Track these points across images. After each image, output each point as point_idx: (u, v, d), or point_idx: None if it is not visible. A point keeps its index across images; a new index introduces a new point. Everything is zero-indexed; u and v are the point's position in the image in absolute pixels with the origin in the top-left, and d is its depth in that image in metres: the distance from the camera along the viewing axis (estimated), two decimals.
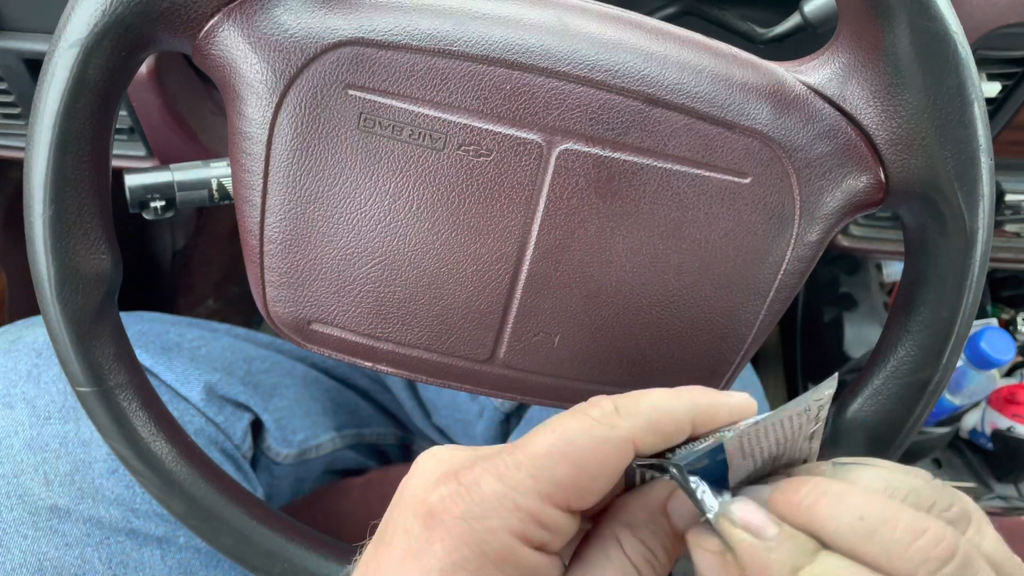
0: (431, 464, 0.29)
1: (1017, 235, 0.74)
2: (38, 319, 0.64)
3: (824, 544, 0.25)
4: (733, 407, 0.30)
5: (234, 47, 0.38)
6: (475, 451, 0.29)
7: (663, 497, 0.29)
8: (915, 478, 0.27)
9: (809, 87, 0.39)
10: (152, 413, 0.44)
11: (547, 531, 0.27)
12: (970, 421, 1.08)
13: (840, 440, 0.43)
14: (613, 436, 0.27)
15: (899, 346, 0.42)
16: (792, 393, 1.24)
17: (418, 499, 0.27)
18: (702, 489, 0.27)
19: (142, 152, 0.71)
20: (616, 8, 0.40)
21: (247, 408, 0.69)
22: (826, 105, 0.39)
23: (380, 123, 0.39)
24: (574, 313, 0.42)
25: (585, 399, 0.45)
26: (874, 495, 0.25)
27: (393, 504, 0.29)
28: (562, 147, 0.39)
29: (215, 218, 1.26)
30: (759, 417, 0.29)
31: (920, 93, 0.37)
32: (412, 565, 0.26)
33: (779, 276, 0.42)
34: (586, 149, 0.39)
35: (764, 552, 0.25)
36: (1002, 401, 1.05)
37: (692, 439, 0.30)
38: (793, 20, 0.57)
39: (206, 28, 0.38)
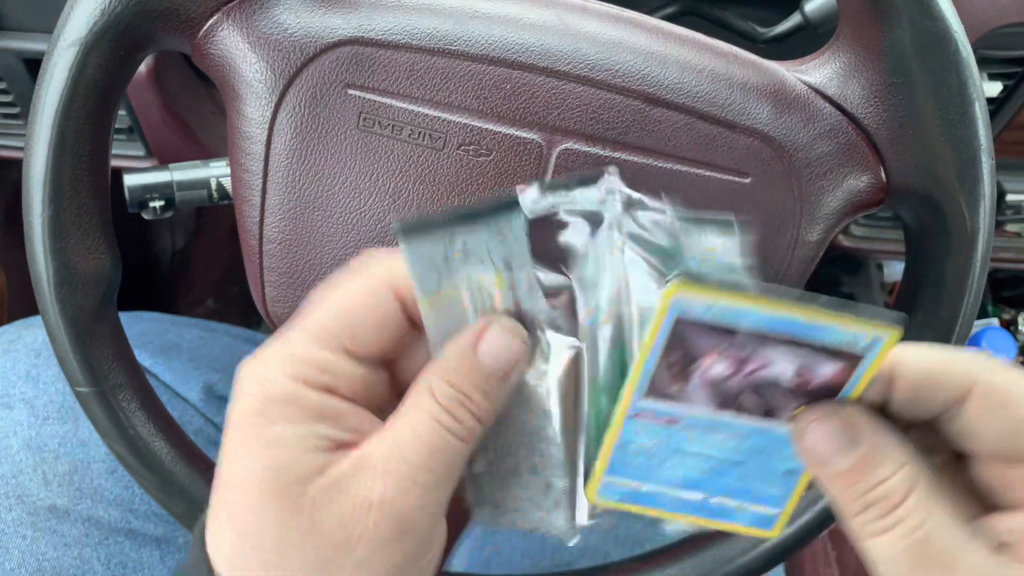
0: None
1: (1018, 235, 0.74)
2: (37, 319, 0.64)
3: None
4: None
5: (233, 47, 0.38)
6: None
7: (473, 338, 0.30)
8: None
9: (810, 87, 0.39)
10: (151, 413, 0.43)
11: (327, 373, 0.29)
12: None
13: None
14: (374, 284, 0.30)
15: None
16: None
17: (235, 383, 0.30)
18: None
19: (141, 152, 0.71)
20: (616, 7, 0.40)
21: None
22: (827, 105, 0.39)
23: (380, 122, 0.39)
24: None
25: None
26: None
27: None
28: (562, 147, 0.39)
29: (214, 218, 1.26)
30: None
31: (921, 93, 0.37)
32: (225, 437, 0.30)
33: (780, 276, 0.42)
34: (586, 149, 0.39)
35: None
36: None
37: None
38: (794, 20, 0.57)
39: (205, 28, 0.38)
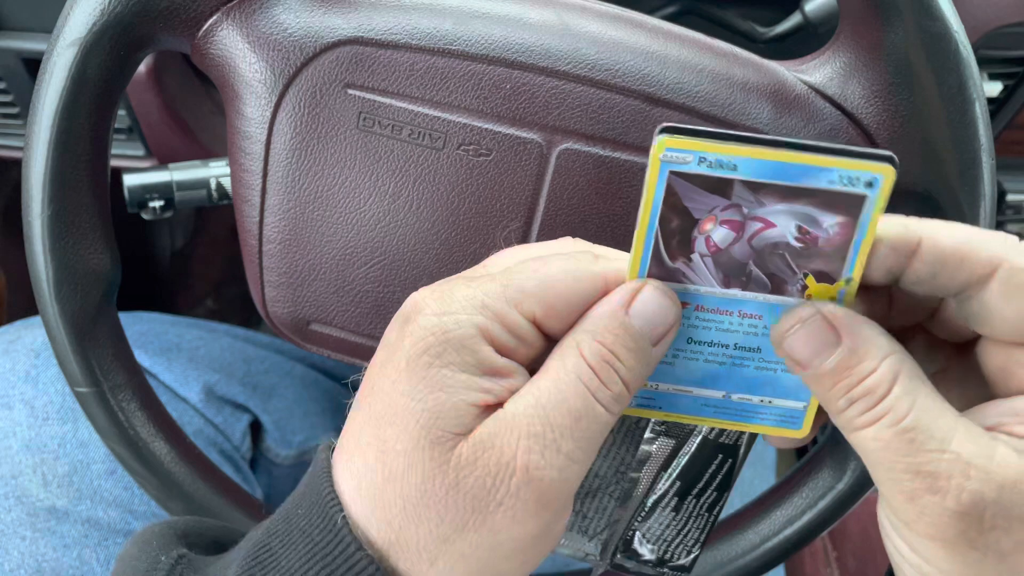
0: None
1: (1018, 235, 0.74)
2: (37, 320, 0.64)
3: None
4: None
5: (233, 46, 0.38)
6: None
7: (624, 299, 0.29)
8: None
9: (810, 86, 0.39)
10: (151, 414, 0.43)
11: (511, 335, 0.28)
12: None
13: (841, 440, 0.43)
14: (588, 271, 0.29)
15: None
16: None
17: (400, 312, 0.29)
18: None
19: (141, 152, 0.71)
20: (617, 7, 0.40)
21: (246, 409, 0.69)
22: (827, 105, 0.39)
23: (379, 122, 0.39)
24: None
25: None
26: None
27: None
28: (562, 147, 0.39)
29: (214, 218, 1.26)
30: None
31: (921, 93, 0.37)
32: (387, 368, 0.28)
33: None
34: (586, 149, 0.39)
35: None
36: None
37: None
38: (794, 19, 0.57)
39: (205, 27, 0.38)
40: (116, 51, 0.38)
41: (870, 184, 0.27)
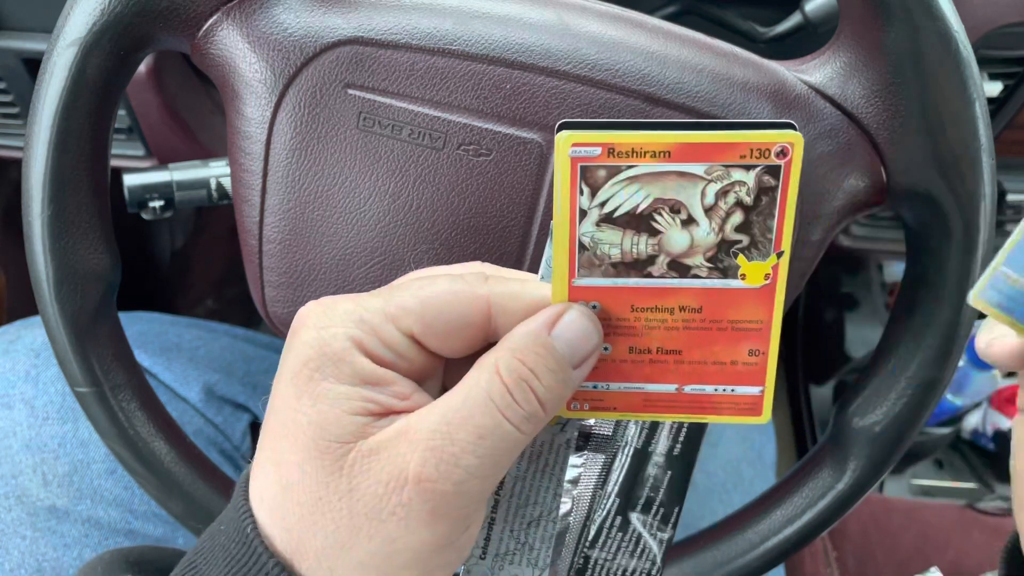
0: None
1: None
2: (37, 319, 0.64)
3: None
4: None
5: (233, 46, 0.38)
6: None
7: (548, 320, 0.29)
8: None
9: (810, 86, 0.39)
10: (151, 414, 0.43)
11: (388, 349, 0.29)
12: (972, 422, 1.08)
13: (841, 440, 0.43)
14: (470, 292, 0.29)
15: (900, 346, 0.42)
16: (793, 393, 1.24)
17: (292, 326, 0.30)
18: None
19: (141, 152, 0.71)
20: (617, 7, 0.40)
21: (246, 409, 0.69)
22: (827, 104, 0.39)
23: (379, 122, 0.39)
24: None
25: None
26: None
27: None
28: None
29: (214, 218, 1.26)
30: None
31: (921, 92, 0.37)
32: (278, 383, 0.29)
33: None
34: None
35: None
36: (1003, 401, 1.05)
37: None
38: (794, 19, 0.57)
39: (205, 27, 0.38)
40: (116, 51, 0.38)
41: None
